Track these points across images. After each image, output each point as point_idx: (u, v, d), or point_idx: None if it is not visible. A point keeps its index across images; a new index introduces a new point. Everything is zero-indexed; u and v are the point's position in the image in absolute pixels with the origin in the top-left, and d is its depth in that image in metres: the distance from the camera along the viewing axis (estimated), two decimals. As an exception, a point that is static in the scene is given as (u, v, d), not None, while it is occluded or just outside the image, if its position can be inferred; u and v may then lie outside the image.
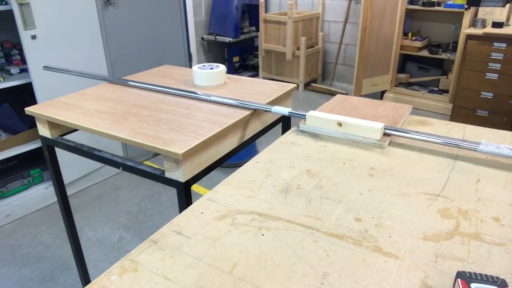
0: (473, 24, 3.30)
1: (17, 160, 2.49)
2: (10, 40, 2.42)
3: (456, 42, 3.59)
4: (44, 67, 1.68)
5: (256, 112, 1.20)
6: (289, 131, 1.10)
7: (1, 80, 2.19)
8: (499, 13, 3.34)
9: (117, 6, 2.54)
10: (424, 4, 3.63)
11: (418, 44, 3.78)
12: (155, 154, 2.86)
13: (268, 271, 0.60)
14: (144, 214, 2.37)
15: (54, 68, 1.68)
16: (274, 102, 1.31)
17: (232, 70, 4.64)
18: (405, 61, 4.13)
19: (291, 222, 0.72)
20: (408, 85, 4.08)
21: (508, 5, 3.07)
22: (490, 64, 3.07)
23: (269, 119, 1.31)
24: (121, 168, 1.11)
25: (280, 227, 0.70)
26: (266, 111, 1.18)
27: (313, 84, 4.49)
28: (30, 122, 2.37)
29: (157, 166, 1.10)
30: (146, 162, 2.84)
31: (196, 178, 1.03)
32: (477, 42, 3.09)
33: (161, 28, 2.90)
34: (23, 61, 2.30)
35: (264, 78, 4.56)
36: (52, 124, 1.25)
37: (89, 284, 0.58)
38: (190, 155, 0.98)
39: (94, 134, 1.10)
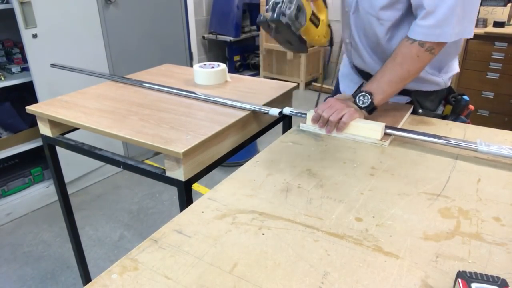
0: (474, 23, 3.30)
1: (18, 158, 2.50)
2: (11, 39, 2.42)
3: (457, 42, 3.58)
4: (51, 64, 1.68)
5: (256, 112, 1.20)
6: (289, 131, 1.10)
7: (2, 78, 2.19)
8: (500, 13, 3.33)
9: (118, 5, 2.54)
10: (425, 4, 3.62)
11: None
12: (156, 153, 2.86)
13: (268, 270, 0.60)
14: (144, 213, 2.37)
15: (61, 65, 1.68)
16: (275, 101, 1.31)
17: (233, 69, 4.64)
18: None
19: (291, 221, 0.72)
20: (409, 84, 4.07)
21: (509, 4, 3.06)
22: (491, 63, 3.06)
23: (269, 119, 1.31)
24: (121, 167, 1.11)
25: (280, 227, 0.70)
26: (264, 113, 1.18)
27: (314, 84, 4.49)
28: (31, 121, 2.38)
29: (157, 165, 1.10)
30: (147, 161, 2.85)
31: (196, 177, 1.03)
32: (478, 41, 3.08)
33: (162, 27, 2.90)
34: (24, 59, 2.30)
35: (265, 77, 4.55)
36: (53, 123, 1.25)
37: (89, 283, 0.58)
38: (190, 154, 0.98)
39: (95, 133, 1.10)
